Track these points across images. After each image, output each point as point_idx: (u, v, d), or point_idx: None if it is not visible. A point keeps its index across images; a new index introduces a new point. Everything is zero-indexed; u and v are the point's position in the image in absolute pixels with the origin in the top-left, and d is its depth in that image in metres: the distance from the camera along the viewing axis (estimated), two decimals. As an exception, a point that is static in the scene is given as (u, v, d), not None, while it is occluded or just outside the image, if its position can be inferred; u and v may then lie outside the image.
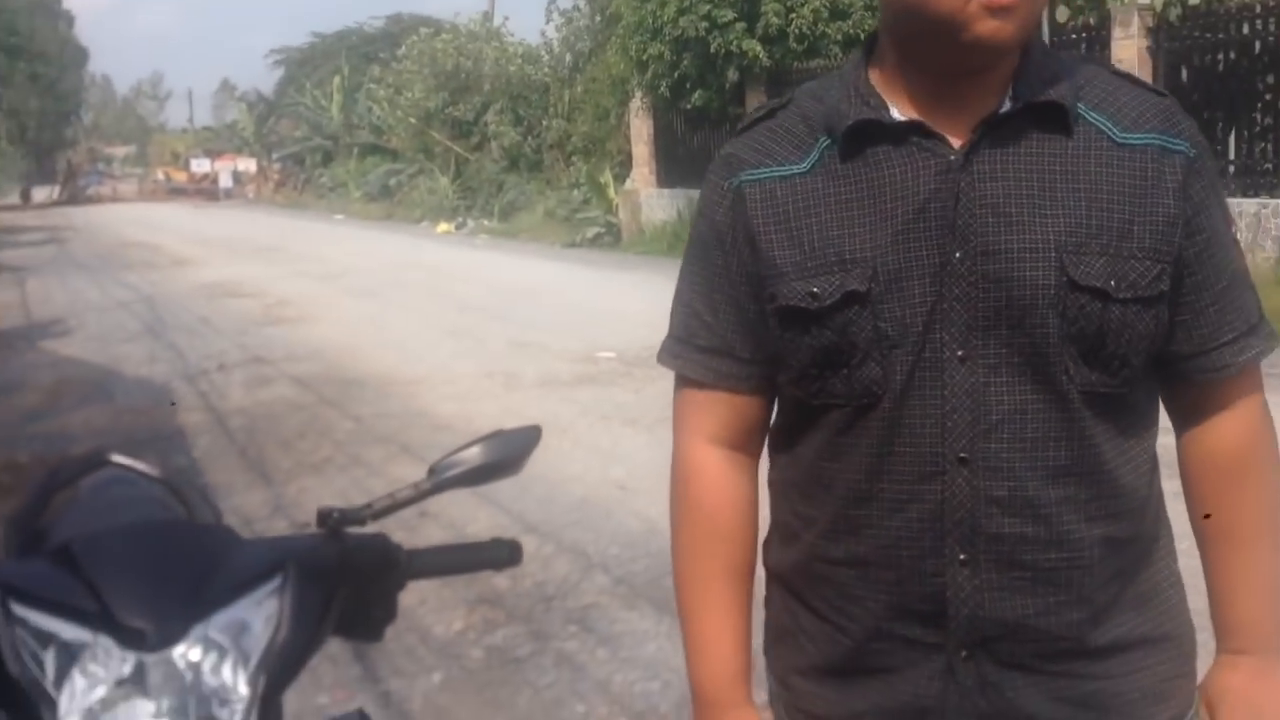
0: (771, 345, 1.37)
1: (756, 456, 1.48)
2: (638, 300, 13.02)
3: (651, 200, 19.73)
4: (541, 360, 9.69)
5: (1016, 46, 1.25)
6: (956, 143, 1.28)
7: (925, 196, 1.28)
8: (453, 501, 5.63)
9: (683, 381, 1.47)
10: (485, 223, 25.97)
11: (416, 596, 4.47)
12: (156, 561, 1.29)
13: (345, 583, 1.41)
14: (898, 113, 1.31)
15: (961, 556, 1.30)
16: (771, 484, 1.49)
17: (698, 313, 1.43)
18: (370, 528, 1.48)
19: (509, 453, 1.52)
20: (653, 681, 3.88)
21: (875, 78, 1.34)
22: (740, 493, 1.46)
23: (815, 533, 1.39)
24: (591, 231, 20.81)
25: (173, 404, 8.29)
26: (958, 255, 1.27)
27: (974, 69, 1.28)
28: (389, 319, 12.24)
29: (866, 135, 1.31)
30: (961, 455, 1.29)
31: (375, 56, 41.77)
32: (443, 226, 26.20)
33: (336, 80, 40.71)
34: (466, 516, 5.47)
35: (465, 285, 14.78)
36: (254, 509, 5.84)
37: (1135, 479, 1.35)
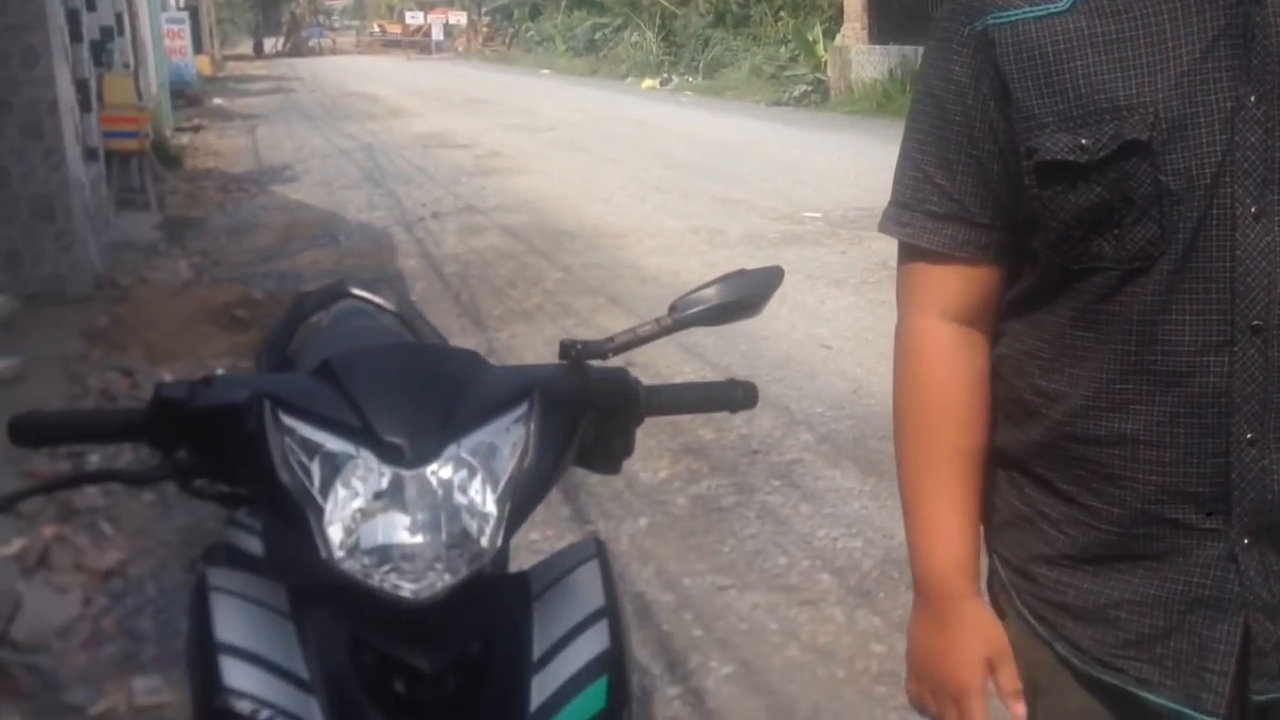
0: (1018, 208, 1.27)
1: (990, 333, 1.37)
2: (845, 161, 12.74)
3: (862, 57, 19.08)
4: (746, 218, 9.63)
5: None
6: None
7: (1214, 33, 1.16)
8: (659, 353, 5.72)
9: (911, 252, 1.36)
10: (690, 79, 25.68)
11: (623, 443, 4.59)
12: (412, 382, 1.35)
13: (587, 414, 1.44)
14: None
15: (1249, 435, 1.20)
16: (1001, 358, 1.37)
17: (929, 175, 1.32)
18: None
19: (750, 293, 1.51)
20: (856, 539, 3.91)
21: None
22: (975, 371, 1.36)
23: (1064, 410, 1.29)
24: (798, 89, 20.32)
25: (434, 215, 9.06)
26: (1252, 99, 1.15)
27: None
28: (596, 172, 12.33)
29: None
30: (1255, 323, 1.18)
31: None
32: (647, 82, 26.04)
33: (546, -70, 40.47)
34: (672, 369, 5.56)
35: (670, 141, 14.73)
36: (469, 352, 6.06)
37: None
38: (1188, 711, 1.26)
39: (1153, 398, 1.23)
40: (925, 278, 1.35)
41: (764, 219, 9.59)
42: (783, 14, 23.76)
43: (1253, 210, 1.17)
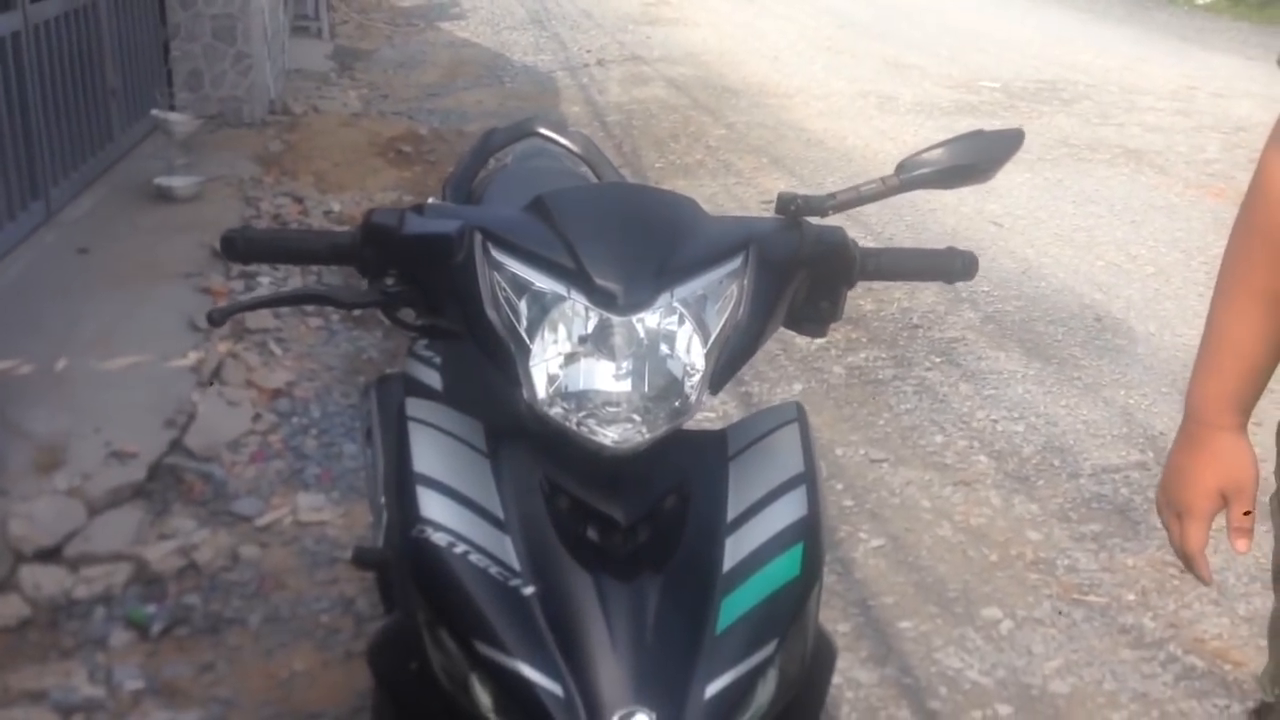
0: None
1: None
2: (1029, 30, 12.10)
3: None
4: (919, 84, 9.26)
5: None
6: None
7: None
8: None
9: None
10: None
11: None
12: (627, 225, 1.30)
13: (800, 272, 1.38)
14: None
15: None
16: None
17: None
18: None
19: (983, 156, 1.41)
20: (1017, 423, 3.80)
21: None
22: None
23: None
24: (984, -50, 19.29)
25: (599, 61, 9.09)
26: None
27: None
28: (764, 28, 11.98)
29: None
30: None
31: None
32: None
33: None
34: (835, 235, 5.41)
35: (843, 1, 14.18)
36: (628, 203, 6.00)
37: None
38: None
39: None
40: None
41: (938, 86, 9.21)
42: None
43: None
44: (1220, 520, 1.39)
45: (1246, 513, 1.35)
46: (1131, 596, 2.93)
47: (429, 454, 1.24)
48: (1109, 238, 5.69)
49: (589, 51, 10.26)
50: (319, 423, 3.59)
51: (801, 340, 4.37)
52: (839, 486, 3.38)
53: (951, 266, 1.47)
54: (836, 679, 2.54)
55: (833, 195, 1.40)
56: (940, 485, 3.41)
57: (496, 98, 8.35)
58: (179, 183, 5.24)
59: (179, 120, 5.62)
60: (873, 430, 3.74)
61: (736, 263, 1.28)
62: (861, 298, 4.75)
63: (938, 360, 4.26)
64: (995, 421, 3.81)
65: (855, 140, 7.43)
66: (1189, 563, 1.40)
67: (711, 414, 3.62)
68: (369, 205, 4.88)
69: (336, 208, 5.41)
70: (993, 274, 5.10)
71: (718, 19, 12.48)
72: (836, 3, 13.84)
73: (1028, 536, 3.17)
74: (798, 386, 4.01)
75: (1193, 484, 1.37)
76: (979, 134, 1.44)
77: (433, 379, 1.87)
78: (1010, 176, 6.64)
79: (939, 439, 3.69)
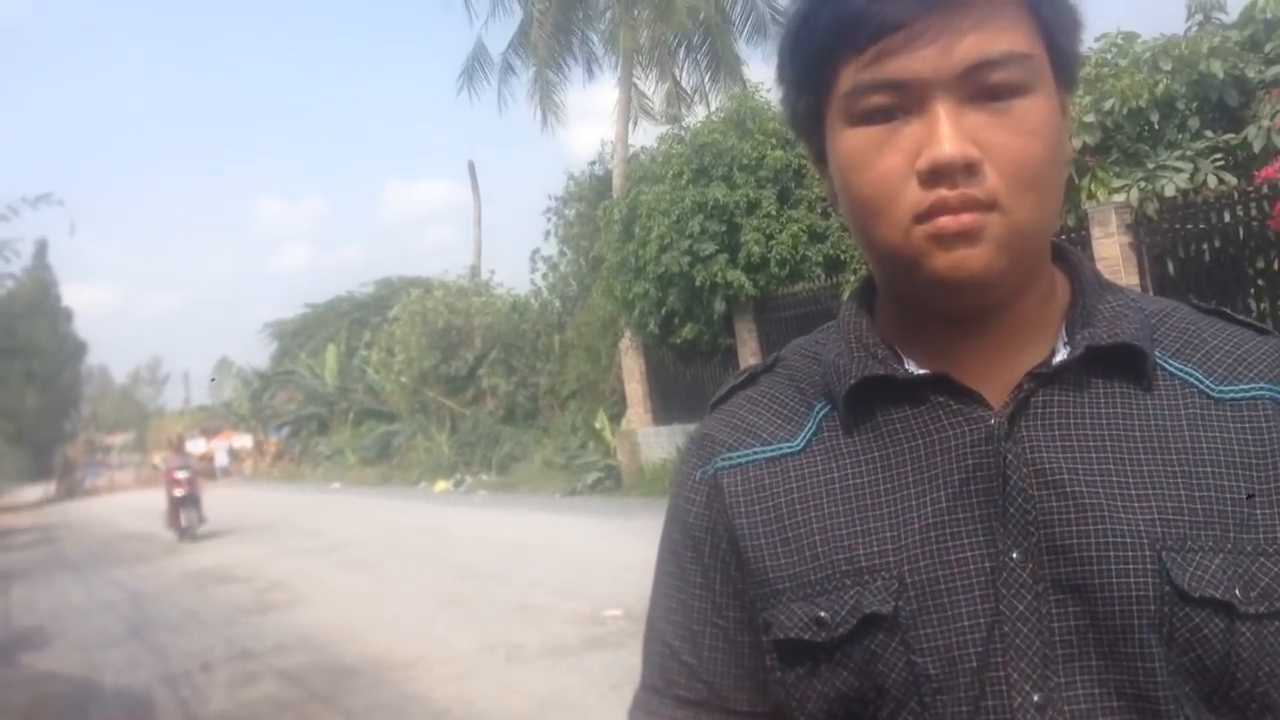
0: (775, 690, 1.01)
1: None
2: (642, 548, 12.38)
3: (649, 439, 19.39)
4: (545, 625, 9.08)
5: (1003, 279, 0.92)
6: (996, 402, 0.95)
7: (962, 476, 0.94)
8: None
9: None
10: (484, 477, 25.58)
11: None
12: None
13: None
14: (914, 366, 0.99)
15: None
16: None
17: (675, 651, 1.06)
18: None
19: None
20: None
21: (882, 324, 1.03)
22: None
23: None
24: (591, 477, 20.39)
25: (203, 666, 7.73)
26: (1014, 556, 0.92)
27: (970, 314, 0.96)
28: (385, 593, 11.64)
29: (876, 397, 0.99)
30: None
31: (367, 321, 42.33)
32: (440, 485, 25.80)
33: (330, 348, 41.02)
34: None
35: (464, 548, 14.23)
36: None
37: None
38: None
39: None
40: None
41: (565, 624, 9.05)
42: (569, 403, 24.26)
43: (1035, 699, 0.91)
44: None
45: None
46: None
47: None
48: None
49: (191, 656, 9.45)
50: None
51: None
52: None
53: None
54: None
55: None
56: None
57: (77, 738, 7.33)
58: None
59: None
60: None
61: None
62: None
63: None
64: None
65: (484, 703, 6.97)
66: None
67: None
68: None
69: None
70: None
71: (335, 592, 12.05)
72: (456, 552, 13.85)
73: None
74: None
75: None
76: None
77: None
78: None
79: None
